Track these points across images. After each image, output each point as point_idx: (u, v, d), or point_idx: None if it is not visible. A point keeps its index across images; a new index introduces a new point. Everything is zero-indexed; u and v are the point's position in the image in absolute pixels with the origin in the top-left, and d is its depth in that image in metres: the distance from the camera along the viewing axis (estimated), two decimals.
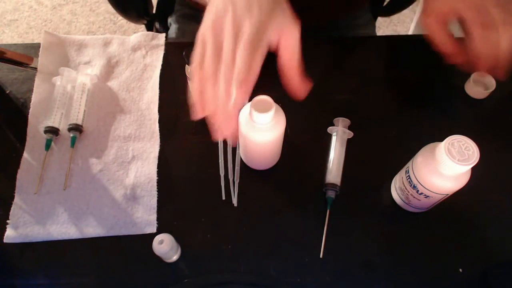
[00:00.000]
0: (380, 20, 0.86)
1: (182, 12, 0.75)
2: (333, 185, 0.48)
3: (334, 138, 0.51)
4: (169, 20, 0.79)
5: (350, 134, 0.51)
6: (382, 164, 0.50)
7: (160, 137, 0.52)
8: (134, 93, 0.55)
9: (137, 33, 0.60)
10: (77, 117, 0.51)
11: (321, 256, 0.45)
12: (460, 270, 0.45)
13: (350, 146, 0.51)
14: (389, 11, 0.84)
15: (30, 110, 0.53)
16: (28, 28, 1.67)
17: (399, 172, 0.47)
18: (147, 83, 0.56)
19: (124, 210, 0.48)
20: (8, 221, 0.47)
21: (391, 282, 0.45)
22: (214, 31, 0.36)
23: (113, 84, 0.56)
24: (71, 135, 0.51)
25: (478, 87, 0.54)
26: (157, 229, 0.47)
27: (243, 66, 0.34)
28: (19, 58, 0.56)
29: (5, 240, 0.46)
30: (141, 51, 0.58)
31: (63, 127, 0.52)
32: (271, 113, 0.38)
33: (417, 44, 0.62)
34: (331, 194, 0.48)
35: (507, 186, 0.50)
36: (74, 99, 0.53)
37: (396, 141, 0.53)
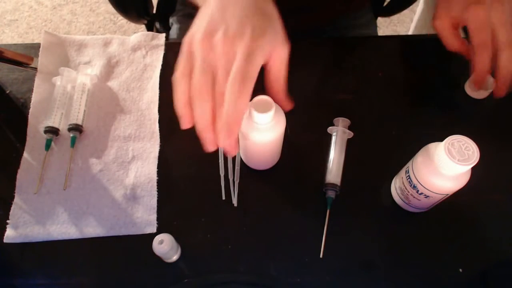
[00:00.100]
0: (380, 20, 0.86)
1: (184, 12, 0.75)
2: (333, 185, 0.48)
3: (334, 138, 0.51)
4: (171, 20, 0.79)
5: (350, 134, 0.51)
6: (382, 164, 0.51)
7: (160, 137, 0.52)
8: (134, 93, 0.55)
9: (137, 33, 0.60)
10: (77, 117, 0.51)
11: (321, 256, 0.45)
12: (460, 270, 0.45)
13: (350, 146, 0.51)
14: (389, 11, 0.84)
15: (30, 110, 0.53)
16: (28, 28, 1.67)
17: (399, 172, 0.47)
18: (147, 83, 0.56)
19: (124, 210, 0.48)
20: (8, 221, 0.47)
21: (391, 282, 0.45)
22: (203, 46, 0.35)
23: (113, 84, 0.56)
24: (71, 135, 0.51)
25: None
26: (157, 229, 0.47)
27: (230, 109, 0.34)
28: (19, 58, 0.56)
29: (5, 240, 0.46)
30: (141, 51, 0.58)
31: (63, 127, 0.52)
32: (271, 113, 0.38)
33: (417, 44, 0.62)
34: (331, 194, 0.48)
35: (507, 186, 0.50)
36: (74, 99, 0.53)
37: (396, 141, 0.53)
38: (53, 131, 0.51)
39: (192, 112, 0.36)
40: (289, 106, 0.41)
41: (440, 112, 0.55)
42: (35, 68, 0.56)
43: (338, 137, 0.51)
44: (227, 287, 0.44)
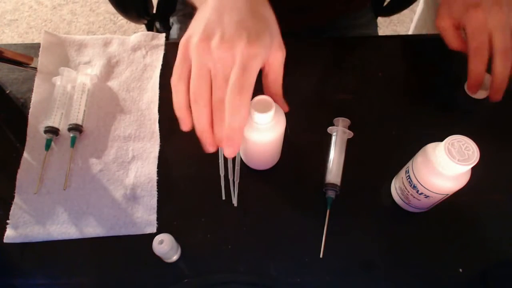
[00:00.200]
0: (380, 20, 0.86)
1: (184, 12, 0.75)
2: (333, 185, 0.48)
3: (334, 138, 0.51)
4: (171, 20, 0.79)
5: (350, 134, 0.51)
6: (382, 164, 0.51)
7: (160, 137, 0.52)
8: (134, 93, 0.55)
9: (137, 33, 0.60)
10: (77, 117, 0.51)
11: (321, 256, 0.45)
12: (460, 270, 0.45)
13: (350, 146, 0.51)
14: (389, 11, 0.84)
15: (30, 110, 0.53)
16: (28, 28, 1.67)
17: (399, 172, 0.47)
18: (147, 83, 0.56)
19: (124, 210, 0.48)
20: (8, 221, 0.47)
21: (391, 282, 0.45)
22: (200, 50, 0.35)
23: (113, 84, 0.56)
24: (71, 135, 0.51)
25: None
26: (157, 229, 0.47)
27: (232, 121, 0.34)
28: (19, 58, 0.56)
29: (5, 240, 0.46)
30: (141, 51, 0.59)
31: (63, 127, 0.52)
32: (271, 113, 0.38)
33: (417, 44, 0.62)
34: (331, 194, 0.48)
35: (507, 186, 0.50)
36: (74, 99, 0.53)
37: (396, 141, 0.53)
38: (53, 131, 0.51)
39: (190, 114, 0.37)
40: (285, 108, 0.41)
41: (440, 112, 0.55)
42: (35, 68, 0.56)
43: (338, 137, 0.51)
44: (227, 287, 0.44)
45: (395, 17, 1.68)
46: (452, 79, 0.57)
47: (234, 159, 0.50)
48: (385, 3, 0.83)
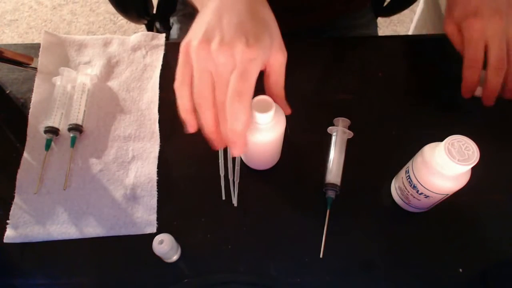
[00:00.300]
0: (380, 20, 0.86)
1: (184, 12, 0.75)
2: (333, 185, 0.48)
3: (334, 138, 0.51)
4: (171, 20, 0.79)
5: (350, 134, 0.51)
6: (382, 164, 0.51)
7: (160, 137, 0.52)
8: (134, 93, 0.55)
9: (137, 33, 0.60)
10: (77, 117, 0.51)
11: (321, 256, 0.45)
12: (460, 270, 0.45)
13: (350, 146, 0.51)
14: (389, 11, 0.85)
15: (30, 110, 0.53)
16: (28, 28, 1.68)
17: (399, 172, 0.47)
18: (147, 83, 0.56)
19: (124, 210, 0.48)
20: (8, 221, 0.47)
21: (391, 282, 0.45)
22: (200, 53, 0.35)
23: (113, 84, 0.56)
24: (71, 135, 0.51)
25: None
26: (157, 229, 0.47)
27: (235, 127, 0.35)
28: (19, 58, 0.56)
29: (5, 240, 0.46)
30: (141, 51, 0.59)
31: (63, 127, 0.52)
32: (271, 113, 0.38)
33: (417, 44, 0.62)
34: (331, 194, 0.48)
35: (507, 186, 0.50)
36: (74, 99, 0.53)
37: (396, 141, 0.53)
38: (53, 131, 0.51)
39: (195, 118, 0.38)
40: (288, 110, 0.41)
41: (440, 112, 0.55)
42: (35, 68, 0.56)
43: (338, 137, 0.51)
44: (227, 287, 0.44)
45: (395, 17, 1.68)
46: (452, 79, 0.57)
47: (234, 159, 0.50)
48: (385, 3, 0.83)
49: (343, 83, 0.57)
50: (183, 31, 0.74)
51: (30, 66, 0.56)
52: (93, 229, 0.47)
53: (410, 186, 0.43)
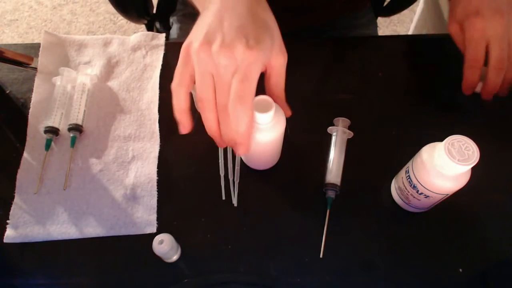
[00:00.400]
0: (380, 20, 0.86)
1: (184, 12, 0.75)
2: (333, 185, 0.48)
3: (334, 138, 0.51)
4: (171, 19, 0.79)
5: (350, 134, 0.51)
6: (382, 164, 0.51)
7: (160, 137, 0.52)
8: (134, 93, 0.55)
9: (137, 33, 0.60)
10: (77, 117, 0.51)
11: (321, 256, 0.45)
12: (460, 270, 0.45)
13: (350, 146, 0.51)
14: (389, 11, 0.85)
15: (30, 110, 0.53)
16: (28, 28, 1.67)
17: (399, 172, 0.47)
18: (147, 83, 0.56)
19: (124, 210, 0.48)
20: (8, 221, 0.47)
21: (391, 282, 0.45)
22: (201, 55, 0.35)
23: (113, 84, 0.56)
24: (71, 135, 0.51)
25: None
26: (157, 229, 0.47)
27: (239, 130, 0.36)
28: (19, 58, 0.56)
29: (5, 240, 0.46)
30: (141, 51, 0.59)
31: (63, 127, 0.52)
32: (271, 113, 0.38)
33: (417, 44, 0.62)
34: (331, 194, 0.48)
35: (507, 186, 0.50)
36: (74, 99, 0.53)
37: (396, 141, 0.53)
38: (53, 131, 0.51)
39: (190, 118, 0.38)
40: (288, 112, 0.41)
41: (440, 112, 0.55)
42: (35, 68, 0.56)
43: (338, 137, 0.51)
44: (227, 287, 0.44)
45: (395, 17, 1.68)
46: (452, 79, 0.57)
47: (234, 159, 0.50)
48: (385, 3, 0.83)
49: (343, 83, 0.57)
50: (183, 31, 0.74)
51: (30, 66, 0.56)
52: (93, 229, 0.47)
53: (410, 186, 0.43)
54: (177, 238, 0.44)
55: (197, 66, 0.35)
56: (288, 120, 0.43)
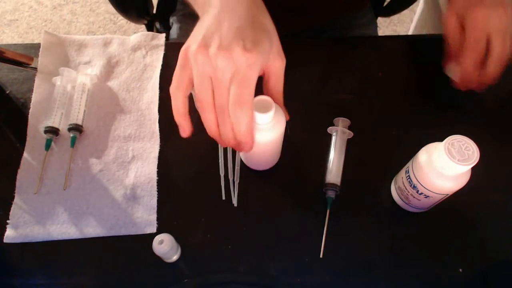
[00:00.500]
0: (380, 20, 0.86)
1: (184, 12, 0.75)
2: (333, 185, 0.48)
3: (334, 138, 0.51)
4: (171, 19, 0.79)
5: (350, 134, 0.51)
6: (382, 164, 0.51)
7: (160, 137, 0.52)
8: (134, 93, 0.55)
9: (137, 33, 0.60)
10: (77, 117, 0.51)
11: (321, 256, 0.45)
12: (460, 270, 0.45)
13: (350, 146, 0.51)
14: (389, 11, 0.85)
15: (30, 110, 0.53)
16: (28, 28, 1.67)
17: (399, 172, 0.47)
18: (147, 83, 0.56)
19: (124, 210, 0.48)
20: (8, 221, 0.47)
21: (391, 282, 0.45)
22: (198, 58, 0.35)
23: (113, 84, 0.56)
24: (71, 135, 0.51)
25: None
26: (157, 229, 0.47)
27: (241, 131, 0.36)
28: (19, 58, 0.56)
29: (5, 240, 0.46)
30: (141, 51, 0.59)
31: (63, 127, 0.52)
32: (271, 113, 0.38)
33: (417, 44, 0.62)
34: (331, 194, 0.48)
35: (507, 186, 0.50)
36: (74, 99, 0.53)
37: (396, 141, 0.53)
38: (53, 131, 0.51)
39: (189, 121, 0.38)
40: (286, 116, 0.42)
41: (440, 112, 0.55)
42: (35, 68, 0.56)
43: (338, 137, 0.51)
44: (227, 287, 0.44)
45: (395, 17, 1.68)
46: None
47: (234, 159, 0.50)
48: (385, 3, 0.83)
49: (343, 83, 0.57)
50: (183, 31, 0.74)
51: (30, 66, 0.56)
52: (93, 229, 0.47)
53: (410, 186, 0.43)
54: (177, 238, 0.44)
55: (195, 69, 0.36)
56: (288, 120, 0.43)
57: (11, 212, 0.47)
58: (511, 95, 0.56)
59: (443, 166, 0.38)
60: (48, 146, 0.50)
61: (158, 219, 0.47)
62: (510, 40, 0.46)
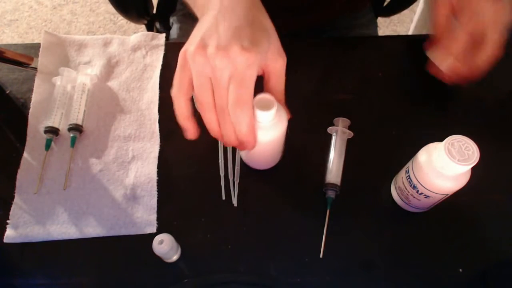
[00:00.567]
0: (380, 20, 0.86)
1: (184, 12, 0.75)
2: (333, 185, 0.48)
3: (334, 138, 0.51)
4: (171, 19, 0.79)
5: (350, 134, 0.51)
6: (382, 164, 0.51)
7: (160, 137, 0.52)
8: (134, 93, 0.55)
9: (137, 33, 0.60)
10: (77, 117, 0.51)
11: (321, 256, 0.45)
12: (460, 270, 0.45)
13: (350, 146, 0.51)
14: (389, 11, 0.85)
15: (30, 110, 0.53)
16: (28, 28, 1.68)
17: (399, 172, 0.47)
18: (147, 83, 0.56)
19: (124, 210, 0.48)
20: (8, 221, 0.47)
21: (391, 282, 0.45)
22: (197, 58, 0.35)
23: (113, 84, 0.56)
24: (71, 135, 0.51)
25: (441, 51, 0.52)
26: (157, 229, 0.47)
27: (243, 130, 0.36)
28: (19, 58, 0.56)
29: (5, 240, 0.46)
30: (141, 51, 0.59)
31: (63, 127, 0.52)
32: (273, 111, 0.38)
33: (417, 44, 0.62)
34: (331, 194, 0.48)
35: (507, 186, 0.50)
36: (74, 99, 0.53)
37: (396, 141, 0.53)
38: (53, 131, 0.51)
39: (194, 123, 0.38)
40: (288, 115, 0.42)
41: (440, 112, 0.55)
42: (35, 68, 0.56)
43: (338, 137, 0.51)
44: (227, 287, 0.44)
45: (395, 17, 1.68)
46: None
47: (234, 159, 0.50)
48: (385, 3, 0.83)
49: (343, 83, 0.57)
50: (183, 31, 0.74)
51: (30, 66, 0.56)
52: (93, 229, 0.47)
53: (410, 186, 0.43)
54: (177, 238, 0.44)
55: (194, 70, 0.35)
56: (290, 119, 0.43)
57: (11, 212, 0.47)
58: (511, 95, 0.56)
59: (443, 166, 0.38)
60: (48, 146, 0.50)
61: (158, 219, 0.47)
62: (504, 34, 0.46)
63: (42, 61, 0.56)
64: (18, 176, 0.50)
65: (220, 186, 0.49)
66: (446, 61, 0.50)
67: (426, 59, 0.59)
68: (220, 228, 0.47)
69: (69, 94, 0.54)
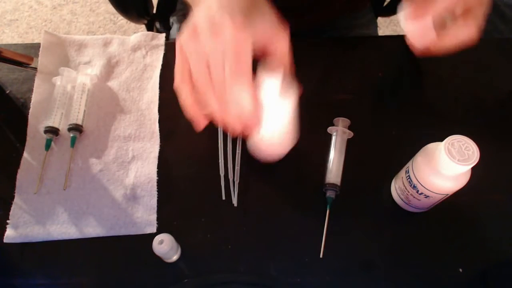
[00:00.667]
0: (380, 20, 0.86)
1: (184, 12, 0.75)
2: (333, 185, 0.48)
3: (334, 138, 0.51)
4: (171, 19, 0.79)
5: (350, 134, 0.51)
6: (382, 164, 0.50)
7: (160, 137, 0.52)
8: (134, 93, 0.55)
9: (137, 33, 0.60)
10: (77, 117, 0.51)
11: (321, 256, 0.45)
12: (460, 270, 0.45)
13: (350, 146, 0.51)
14: (389, 11, 0.84)
15: (30, 110, 0.53)
16: (28, 28, 1.67)
17: (399, 172, 0.47)
18: (147, 83, 0.56)
19: (124, 210, 0.48)
20: (8, 221, 0.47)
21: (391, 282, 0.45)
22: (190, 42, 0.35)
23: (113, 84, 0.56)
24: (71, 135, 0.51)
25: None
26: (157, 229, 0.47)
27: (245, 110, 0.35)
28: (19, 58, 0.56)
29: (5, 240, 0.46)
30: (141, 51, 0.58)
31: (63, 127, 0.52)
32: (279, 75, 0.37)
33: None
34: (331, 194, 0.48)
35: (507, 186, 0.50)
36: (74, 99, 0.53)
37: (396, 141, 0.53)
38: (53, 131, 0.51)
39: (201, 112, 0.38)
40: (297, 90, 0.40)
41: (440, 112, 0.55)
42: (35, 68, 0.56)
43: (338, 137, 0.51)
44: (227, 287, 0.44)
45: (395, 17, 1.68)
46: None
47: (234, 159, 0.50)
48: (385, 3, 0.83)
49: (343, 83, 0.57)
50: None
51: (30, 66, 0.56)
52: (93, 229, 0.47)
53: (410, 186, 0.43)
54: (177, 238, 0.44)
55: (189, 56, 0.35)
56: (300, 95, 0.41)
57: (11, 212, 0.47)
58: (511, 95, 0.56)
59: (443, 166, 0.38)
60: (48, 146, 0.50)
61: (158, 219, 0.47)
62: (483, 14, 0.45)
63: (42, 61, 0.56)
64: (18, 176, 0.50)
65: (220, 186, 0.49)
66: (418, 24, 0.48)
67: (426, 59, 0.59)
68: (220, 228, 0.47)
69: (69, 94, 0.54)
